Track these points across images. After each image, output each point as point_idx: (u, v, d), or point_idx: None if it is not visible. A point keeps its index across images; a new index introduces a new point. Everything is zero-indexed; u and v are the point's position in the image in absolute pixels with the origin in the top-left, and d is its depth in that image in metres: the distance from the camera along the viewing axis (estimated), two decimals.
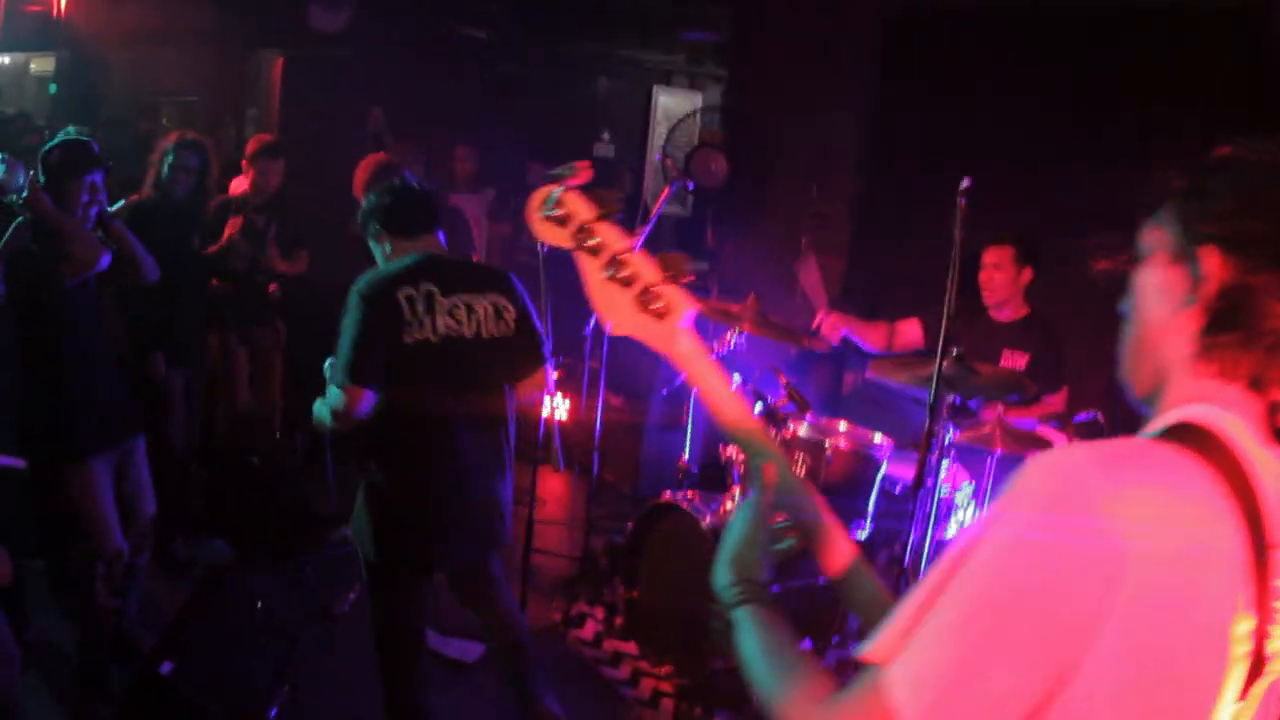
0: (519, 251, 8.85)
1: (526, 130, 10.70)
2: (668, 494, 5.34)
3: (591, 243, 1.82)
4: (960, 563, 1.29)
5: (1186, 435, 1.38)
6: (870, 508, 5.03)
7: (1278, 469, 1.40)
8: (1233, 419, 1.40)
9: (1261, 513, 1.35)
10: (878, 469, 5.04)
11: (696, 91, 13.08)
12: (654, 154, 12.50)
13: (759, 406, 5.42)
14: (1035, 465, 1.32)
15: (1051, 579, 1.23)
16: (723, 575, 1.78)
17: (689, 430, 6.05)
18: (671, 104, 12.71)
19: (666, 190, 5.70)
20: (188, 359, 6.51)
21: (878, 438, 5.25)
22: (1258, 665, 1.37)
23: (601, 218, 1.83)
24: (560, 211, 1.83)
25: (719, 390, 1.88)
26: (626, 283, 1.82)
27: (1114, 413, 4.71)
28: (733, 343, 5.74)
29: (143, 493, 5.07)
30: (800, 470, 5.00)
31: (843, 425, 5.34)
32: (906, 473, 5.02)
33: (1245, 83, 5.82)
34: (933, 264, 4.44)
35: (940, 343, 4.26)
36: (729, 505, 5.17)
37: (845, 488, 4.98)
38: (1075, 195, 6.24)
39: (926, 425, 4.44)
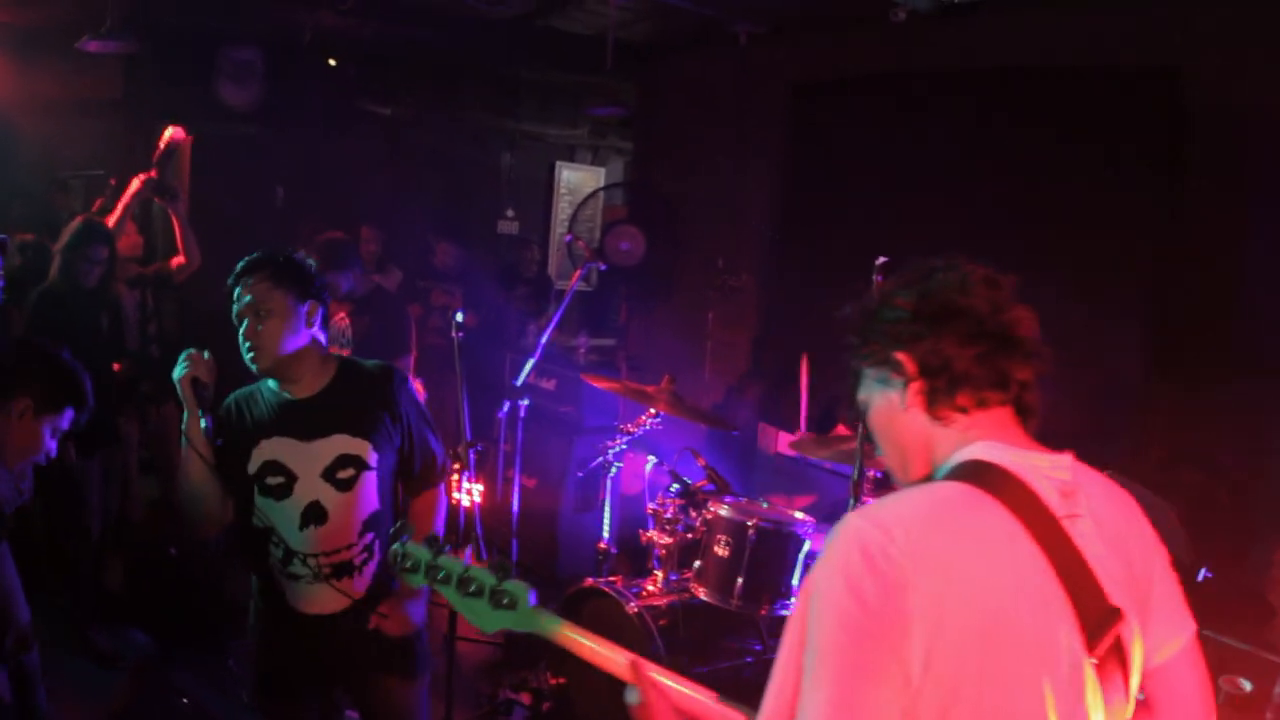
0: (428, 334, 8.76)
1: (431, 208, 10.67)
2: (590, 579, 5.27)
3: (442, 575, 2.33)
4: (803, 629, 1.64)
5: (959, 472, 1.76)
6: (795, 584, 4.99)
7: (1048, 464, 1.80)
8: (989, 445, 1.79)
9: (1048, 512, 1.73)
10: (800, 546, 4.99)
11: (599, 166, 13.12)
12: (557, 228, 12.51)
13: (676, 488, 5.39)
14: (833, 534, 1.68)
15: (863, 621, 1.57)
16: None
17: (606, 512, 5.99)
18: (575, 178, 12.75)
19: (577, 273, 5.69)
20: (99, 445, 6.38)
21: (799, 514, 5.22)
22: (1116, 659, 1.74)
23: (436, 554, 2.34)
24: (410, 563, 2.39)
25: (597, 653, 2.23)
26: (477, 593, 2.28)
27: None
28: (648, 424, 5.72)
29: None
30: (724, 552, 4.97)
31: (764, 504, 5.33)
32: None
33: (1163, 141, 5.95)
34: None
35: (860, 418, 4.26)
36: (650, 588, 5.14)
37: (769, 566, 4.92)
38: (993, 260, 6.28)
39: (850, 500, 4.46)
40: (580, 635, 2.24)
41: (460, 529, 6.27)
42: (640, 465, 6.08)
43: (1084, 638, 1.68)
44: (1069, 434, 1.93)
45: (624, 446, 5.99)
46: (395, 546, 2.42)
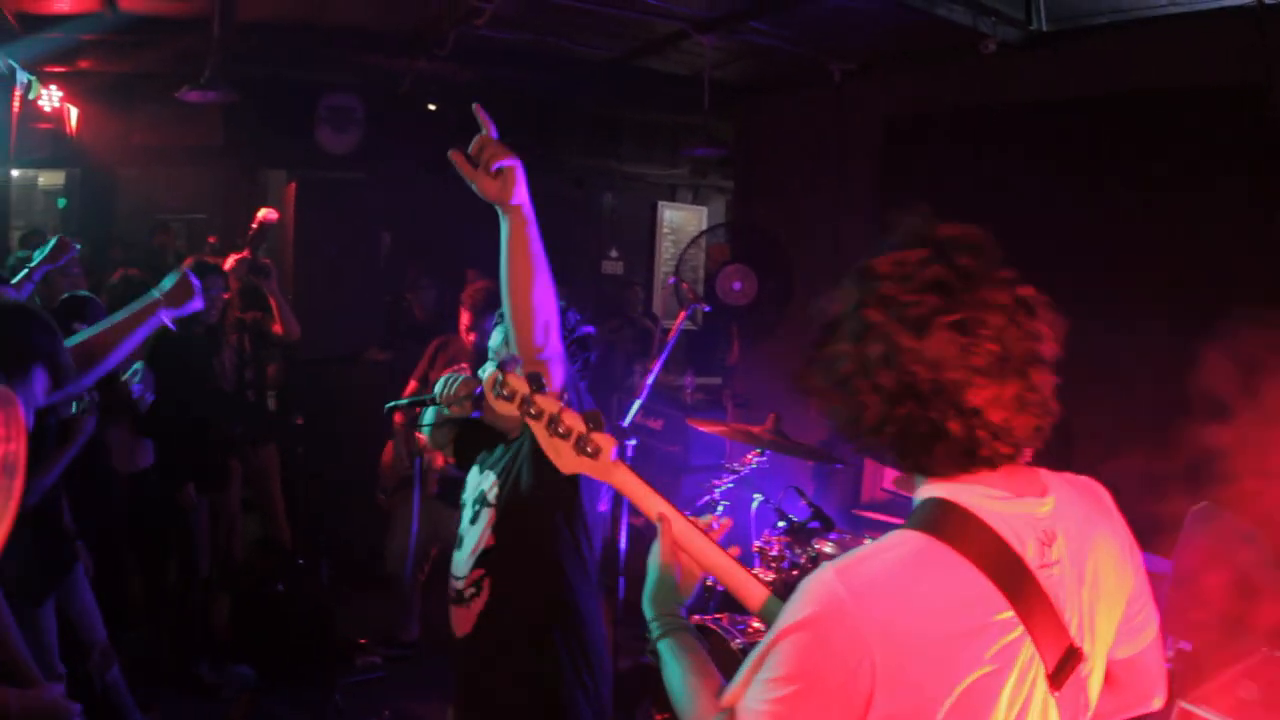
0: None
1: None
2: (695, 616, 5.31)
3: (534, 410, 2.38)
4: (772, 647, 1.75)
5: (926, 518, 1.81)
6: None
7: (1027, 508, 1.84)
8: (960, 487, 1.82)
9: (1020, 566, 1.76)
10: None
11: (701, 205, 13.18)
12: (661, 267, 12.58)
13: (782, 525, 5.43)
14: (808, 580, 1.77)
15: (819, 664, 1.68)
16: (646, 612, 2.30)
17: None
18: (676, 218, 12.82)
19: (682, 314, 5.73)
20: (212, 486, 6.61)
21: None
22: (1067, 661, 1.80)
23: (535, 390, 2.39)
24: (507, 390, 2.45)
25: (648, 500, 2.38)
26: (565, 435, 2.35)
27: None
28: (754, 463, 5.75)
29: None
30: None
31: (868, 540, 5.32)
32: None
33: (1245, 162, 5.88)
34: None
35: None
36: (756, 625, 5.15)
37: None
38: (1098, 288, 6.23)
39: None
40: (634, 481, 2.37)
41: None
42: (746, 502, 6.11)
43: (1050, 682, 1.78)
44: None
45: (730, 485, 6.03)
46: (495, 370, 2.51)
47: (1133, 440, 4.94)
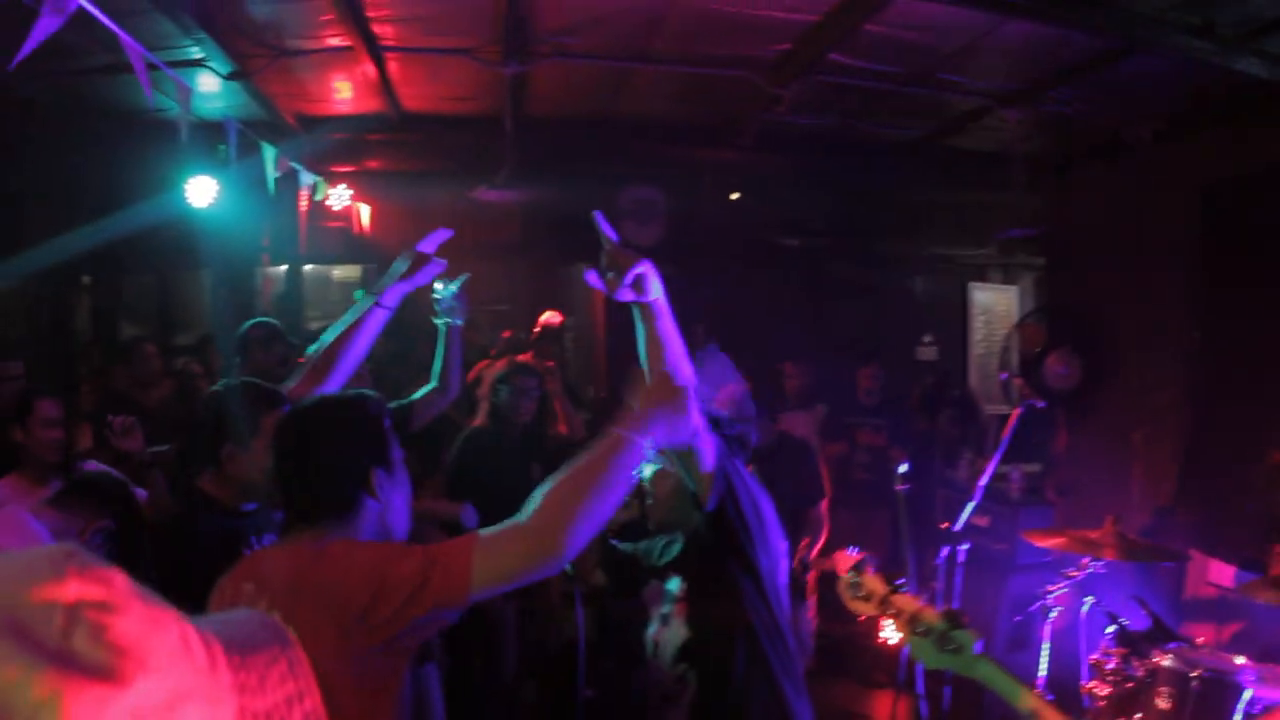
0: (854, 470, 8.60)
1: (849, 339, 10.60)
2: None
3: (892, 610, 2.55)
4: None
5: None
6: None
7: None
8: None
9: None
10: (1240, 694, 4.62)
11: (1010, 285, 12.79)
12: (973, 349, 12.19)
13: (1113, 629, 5.15)
14: None
15: None
16: None
17: (1043, 656, 5.76)
18: (986, 299, 12.44)
19: (1016, 412, 5.58)
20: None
21: (1240, 660, 4.85)
22: None
23: (892, 591, 2.57)
24: (864, 592, 2.64)
25: (1016, 693, 2.36)
26: (926, 634, 2.44)
27: None
28: (1090, 568, 5.48)
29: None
30: (1165, 704, 4.73)
31: (1198, 641, 5.08)
32: (1273, 693, 4.63)
33: None
34: None
35: None
36: None
37: (1209, 718, 4.58)
38: None
39: None
40: (1000, 675, 2.39)
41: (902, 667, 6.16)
42: (1076, 605, 5.82)
43: None
44: None
45: (1064, 590, 5.76)
46: (851, 574, 2.70)
47: None
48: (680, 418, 2.73)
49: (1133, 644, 5.11)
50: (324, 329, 4.03)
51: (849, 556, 2.72)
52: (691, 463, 3.17)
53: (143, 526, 4.80)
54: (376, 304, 3.95)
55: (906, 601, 2.50)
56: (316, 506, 2.60)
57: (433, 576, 2.34)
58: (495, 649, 6.45)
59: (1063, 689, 5.85)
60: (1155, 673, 4.87)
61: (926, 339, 12.14)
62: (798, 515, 6.74)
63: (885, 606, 2.54)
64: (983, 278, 12.75)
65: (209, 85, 7.13)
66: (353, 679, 2.27)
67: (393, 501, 2.69)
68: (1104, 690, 5.08)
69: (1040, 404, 6.22)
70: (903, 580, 2.62)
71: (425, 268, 4.13)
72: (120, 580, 0.94)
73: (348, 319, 3.93)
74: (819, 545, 6.91)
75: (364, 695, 2.31)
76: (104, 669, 0.86)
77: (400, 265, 4.07)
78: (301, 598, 2.32)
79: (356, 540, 2.56)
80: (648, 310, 3.05)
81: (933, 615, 2.44)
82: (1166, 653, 4.91)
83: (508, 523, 2.46)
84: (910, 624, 2.46)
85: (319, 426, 2.69)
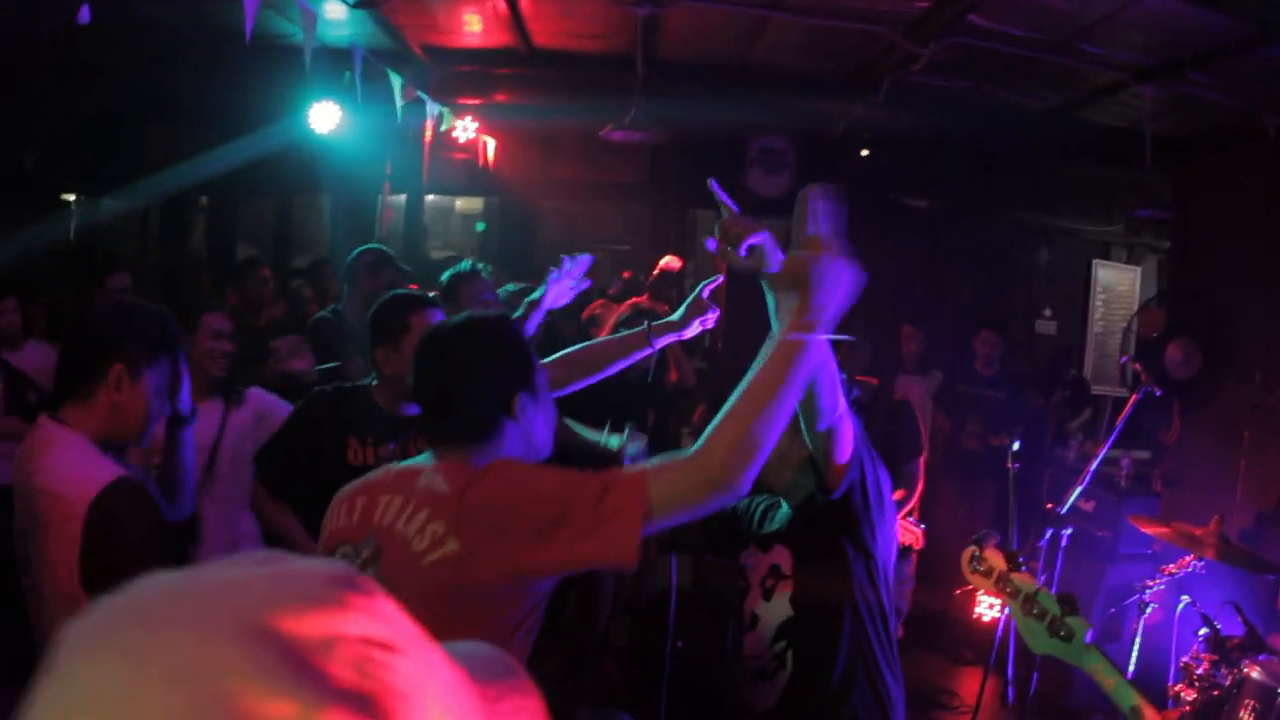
0: (964, 439, 8.46)
1: (968, 306, 10.44)
2: (1099, 716, 5.04)
3: (1010, 588, 2.57)
4: None
5: None
6: None
7: None
8: None
9: None
10: None
11: (1134, 265, 12.51)
12: (1093, 327, 11.95)
13: (1205, 632, 5.03)
14: None
15: None
16: None
17: (1134, 651, 5.69)
18: (1109, 278, 12.18)
19: (1134, 397, 5.45)
20: None
21: None
22: None
23: (1012, 569, 2.59)
24: (984, 567, 2.67)
25: (1121, 690, 2.45)
26: (1040, 616, 2.47)
27: None
28: (1191, 566, 5.36)
29: None
30: (1248, 716, 4.62)
31: None
32: None
33: None
34: None
35: None
36: None
37: None
38: None
39: None
40: (1107, 668, 2.45)
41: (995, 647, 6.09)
42: (1172, 603, 5.71)
43: None
44: None
45: (1161, 585, 5.65)
46: (973, 546, 2.76)
47: None
48: (845, 276, 2.60)
49: (1224, 651, 5.00)
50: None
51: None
52: (828, 447, 2.93)
53: None
54: (649, 343, 3.82)
55: (1026, 581, 2.52)
56: (461, 427, 2.55)
57: (608, 499, 2.24)
58: (590, 594, 6.51)
59: (1148, 687, 5.73)
60: (1243, 683, 4.76)
61: (1046, 313, 11.92)
62: (893, 470, 6.65)
63: (1004, 584, 2.56)
64: (1107, 255, 12.50)
65: (335, 12, 7.09)
66: (502, 602, 2.29)
67: (536, 423, 2.63)
68: (1190, 695, 4.99)
69: (1158, 391, 6.06)
70: (1024, 560, 2.63)
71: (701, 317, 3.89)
72: (396, 613, 0.87)
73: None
74: (913, 501, 6.81)
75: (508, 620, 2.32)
76: (384, 713, 0.79)
77: (678, 314, 3.90)
78: (467, 515, 2.30)
79: (516, 460, 2.52)
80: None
81: (1049, 598, 2.46)
82: (1255, 664, 4.78)
83: (674, 452, 2.34)
84: (1026, 604, 2.48)
85: (465, 348, 2.63)
